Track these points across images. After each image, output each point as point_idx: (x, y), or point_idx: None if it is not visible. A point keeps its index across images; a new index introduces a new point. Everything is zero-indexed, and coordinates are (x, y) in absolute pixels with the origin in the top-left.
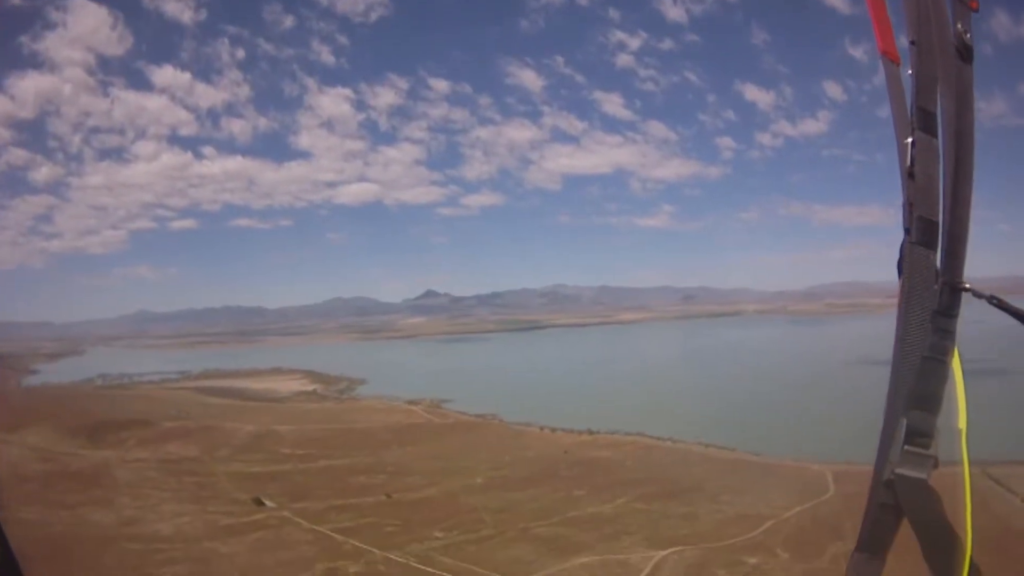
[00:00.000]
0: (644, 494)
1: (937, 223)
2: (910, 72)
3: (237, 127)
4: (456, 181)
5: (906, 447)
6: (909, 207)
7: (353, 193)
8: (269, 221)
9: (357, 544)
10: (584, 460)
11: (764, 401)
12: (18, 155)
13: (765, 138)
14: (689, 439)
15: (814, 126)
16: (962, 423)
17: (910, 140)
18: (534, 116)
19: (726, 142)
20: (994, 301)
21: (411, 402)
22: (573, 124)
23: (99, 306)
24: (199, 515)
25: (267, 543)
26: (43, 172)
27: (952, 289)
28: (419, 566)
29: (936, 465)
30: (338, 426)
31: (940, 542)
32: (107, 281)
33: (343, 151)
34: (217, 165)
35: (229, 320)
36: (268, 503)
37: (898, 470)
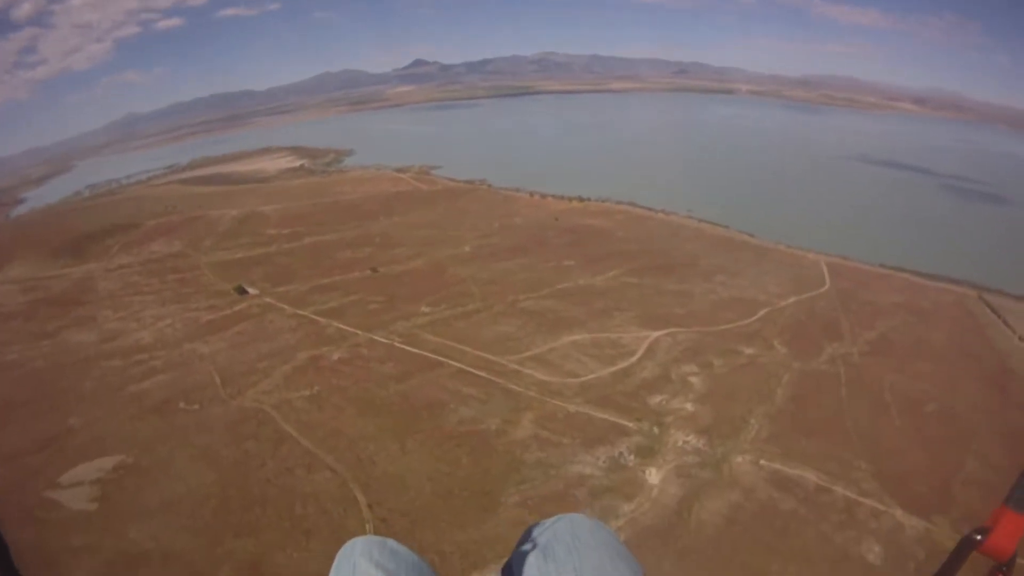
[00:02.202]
0: (636, 267)
1: None
2: None
3: None
4: None
5: None
6: None
7: None
8: (256, 7)
9: (340, 326)
10: (574, 228)
11: (758, 183)
12: None
13: None
14: (681, 212)
15: None
16: None
17: None
18: None
19: None
20: None
21: (399, 170)
22: None
23: (86, 120)
24: (180, 315)
25: (248, 335)
26: (26, 8)
27: None
28: (403, 347)
29: None
30: (324, 200)
31: None
32: (94, 93)
33: None
34: None
35: (219, 107)
36: (251, 290)
37: None
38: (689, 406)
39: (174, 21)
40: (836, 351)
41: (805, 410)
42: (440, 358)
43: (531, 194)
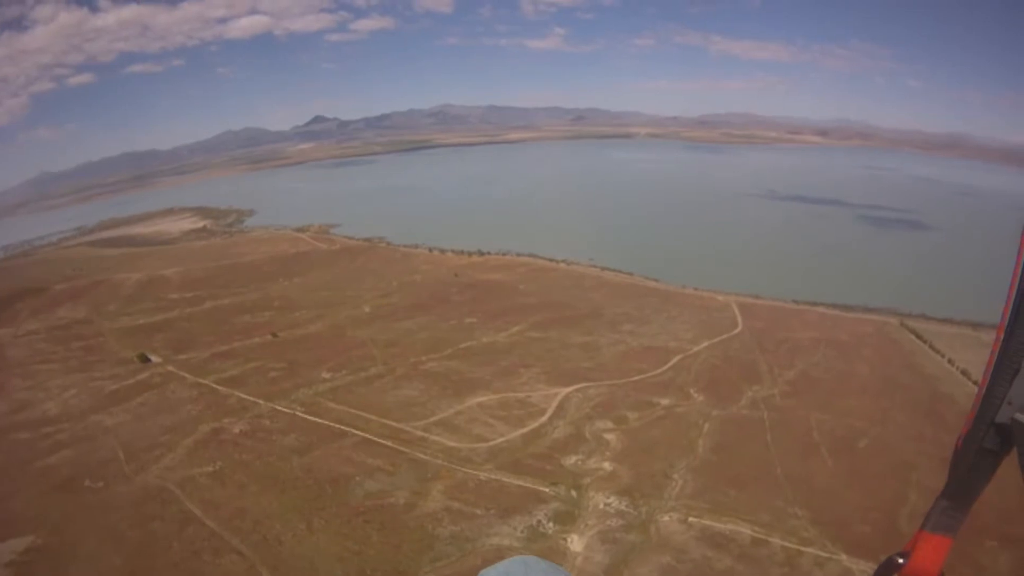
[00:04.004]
0: (540, 321)
1: None
2: None
3: None
4: (345, 7)
5: None
6: None
7: (243, 27)
8: (162, 64)
9: (242, 396)
10: (475, 283)
11: (660, 226)
12: None
13: None
14: (583, 261)
15: None
16: None
17: None
18: None
19: None
20: None
21: (298, 229)
22: None
23: (2, 176)
24: (85, 384)
25: (151, 407)
26: None
27: None
28: (306, 416)
29: None
30: (225, 262)
31: None
32: (9, 150)
33: None
34: (112, 16)
35: (126, 167)
36: (153, 358)
37: (1018, 415)
38: (607, 465)
39: (85, 77)
40: (757, 394)
41: (730, 460)
42: (343, 427)
43: (430, 250)
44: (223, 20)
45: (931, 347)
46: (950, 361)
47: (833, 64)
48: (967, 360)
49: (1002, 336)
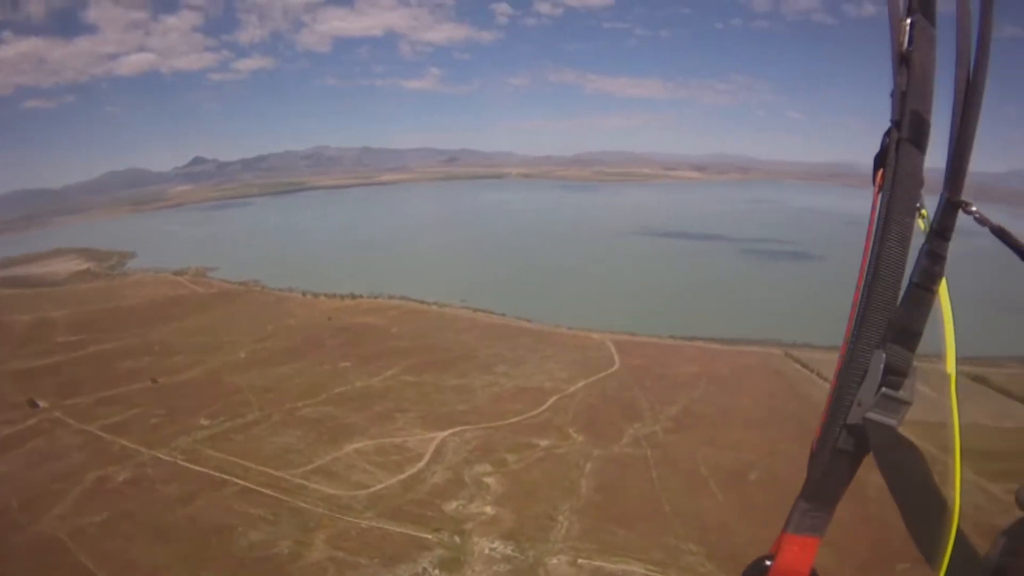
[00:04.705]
0: (414, 364)
1: (929, 122)
2: None
3: (34, 6)
4: (228, 46)
5: (883, 389)
6: (901, 97)
7: (132, 64)
8: (55, 99)
9: (125, 444)
10: (348, 327)
11: (532, 266)
12: None
13: (544, 7)
14: (454, 303)
15: None
16: (951, 367)
17: (909, 21)
18: None
19: (503, 8)
20: (998, 232)
21: (177, 273)
22: None
23: None
24: None
25: (41, 454)
26: None
27: (954, 207)
28: (187, 464)
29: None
30: (109, 305)
31: (922, 502)
32: None
33: (127, 22)
34: (12, 48)
35: (20, 204)
36: (41, 403)
37: (869, 414)
38: (489, 509)
39: None
40: (638, 432)
41: (616, 499)
42: (224, 476)
43: (303, 294)
44: (114, 56)
45: (817, 375)
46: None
47: (712, 99)
48: None
49: (848, 341)
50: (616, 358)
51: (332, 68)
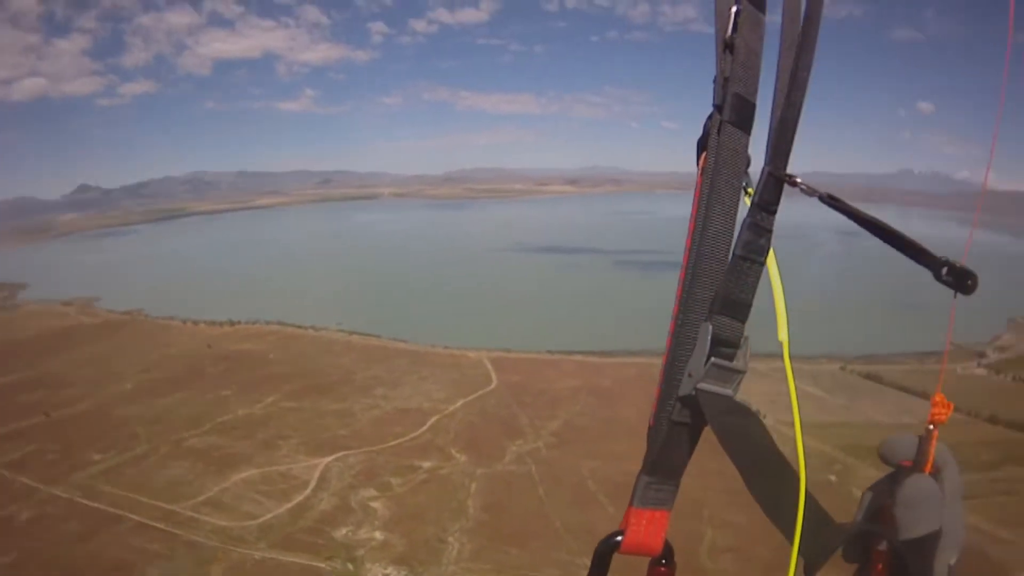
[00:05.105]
0: (293, 390)
1: (754, 104)
2: None
3: None
4: (114, 70)
5: (713, 359)
6: (723, 82)
7: (25, 89)
8: None
9: (25, 481)
10: (228, 354)
11: (405, 287)
12: None
13: (420, 24)
14: (330, 326)
15: (474, 15)
16: (783, 335)
17: (734, 9)
18: (195, 1)
19: (379, 27)
20: (829, 200)
21: (65, 303)
22: (231, 8)
23: None
24: None
25: None
26: None
27: (776, 181)
28: (83, 501)
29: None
30: (2, 336)
31: (765, 467)
32: None
33: (22, 45)
34: None
35: None
36: None
37: (701, 385)
38: (378, 535)
39: None
40: (521, 449)
41: (504, 518)
42: (119, 511)
43: (184, 321)
44: (7, 81)
45: None
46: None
47: (585, 112)
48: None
49: (676, 315)
50: (494, 376)
51: (211, 91)
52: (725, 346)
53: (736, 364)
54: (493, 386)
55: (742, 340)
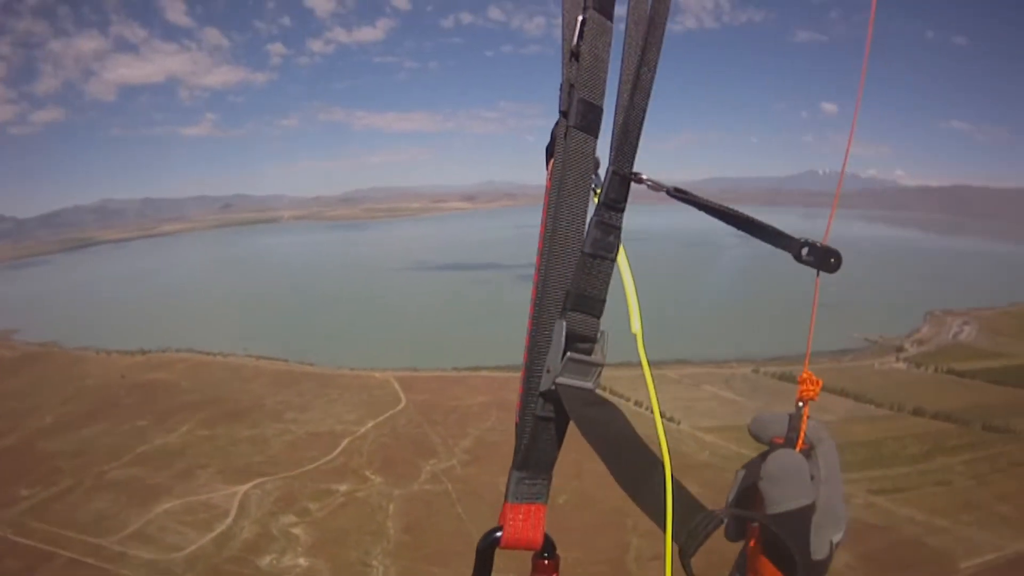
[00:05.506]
0: (206, 418)
1: (600, 108)
2: None
3: None
4: (27, 97)
5: (569, 354)
6: (569, 88)
7: None
8: None
9: None
10: (142, 383)
11: (308, 309)
12: None
13: (317, 44)
14: (238, 352)
15: (371, 33)
16: (636, 327)
17: (580, 18)
18: (103, 26)
19: (277, 48)
20: (676, 193)
21: None
22: (136, 32)
23: None
24: None
25: None
26: None
27: (622, 179)
28: (16, 539)
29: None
30: None
31: (629, 457)
32: None
33: None
34: None
35: None
36: None
37: (560, 379)
38: (302, 561)
39: None
40: (435, 467)
41: (426, 537)
42: (51, 548)
43: (98, 351)
44: None
45: (610, 391)
46: (636, 403)
47: (480, 127)
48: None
49: (532, 315)
50: (402, 395)
51: (117, 117)
52: (581, 341)
53: (594, 358)
54: (402, 406)
55: (599, 335)
